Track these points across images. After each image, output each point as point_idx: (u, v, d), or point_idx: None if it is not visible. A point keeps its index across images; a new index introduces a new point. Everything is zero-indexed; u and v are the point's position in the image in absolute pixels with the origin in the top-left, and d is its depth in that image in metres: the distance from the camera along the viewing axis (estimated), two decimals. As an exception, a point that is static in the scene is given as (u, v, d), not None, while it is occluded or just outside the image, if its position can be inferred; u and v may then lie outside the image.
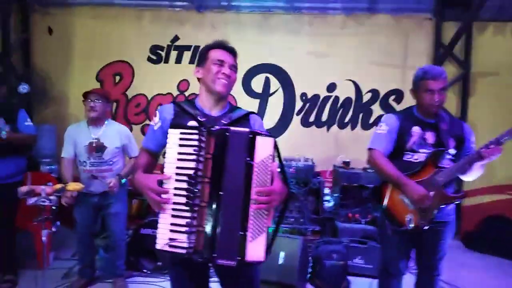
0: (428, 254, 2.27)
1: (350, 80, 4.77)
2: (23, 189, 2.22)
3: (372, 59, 4.73)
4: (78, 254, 3.17)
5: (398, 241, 2.26)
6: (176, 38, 4.77)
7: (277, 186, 1.43)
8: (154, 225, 3.35)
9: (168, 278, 3.31)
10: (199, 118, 1.55)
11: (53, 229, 2.24)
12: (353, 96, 4.79)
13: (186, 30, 4.77)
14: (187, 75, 4.79)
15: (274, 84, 4.81)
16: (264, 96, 4.81)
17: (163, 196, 1.41)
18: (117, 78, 4.80)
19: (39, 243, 2.56)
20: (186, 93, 4.82)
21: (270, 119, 4.80)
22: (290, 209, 3.90)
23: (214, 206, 1.39)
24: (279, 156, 1.50)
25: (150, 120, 4.72)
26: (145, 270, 3.34)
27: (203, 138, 1.41)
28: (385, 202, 2.21)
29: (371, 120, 4.79)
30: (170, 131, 1.46)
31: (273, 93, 4.81)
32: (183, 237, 1.37)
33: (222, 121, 1.57)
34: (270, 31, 4.75)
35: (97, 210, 3.03)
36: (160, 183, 1.42)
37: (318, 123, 4.82)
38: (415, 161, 2.17)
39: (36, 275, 3.04)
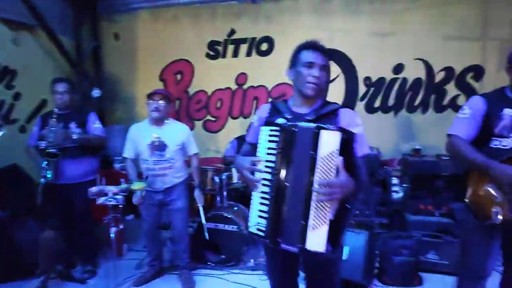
0: None
1: (419, 59, 4.35)
2: (93, 189, 2.38)
3: (446, 33, 4.25)
4: (146, 247, 3.35)
5: (483, 238, 2.00)
6: (232, 31, 4.77)
7: (339, 180, 1.44)
8: (216, 219, 3.45)
9: (231, 271, 3.39)
10: (286, 116, 1.66)
11: (121, 226, 2.38)
12: (423, 77, 4.37)
13: (242, 23, 4.74)
14: (244, 68, 4.78)
15: (334, 69, 4.58)
16: (323, 84, 4.60)
17: (256, 175, 1.58)
18: (178, 76, 4.96)
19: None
20: (245, 86, 4.81)
21: (331, 107, 4.58)
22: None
23: (280, 195, 1.52)
24: (349, 150, 1.50)
25: (211, 116, 4.91)
26: (209, 263, 3.43)
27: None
28: (468, 193, 1.96)
29: (445, 101, 4.33)
30: (262, 128, 1.63)
31: (334, 79, 4.58)
32: (265, 222, 1.55)
33: (307, 118, 1.63)
34: (328, 14, 4.51)
35: (161, 206, 3.16)
36: (253, 164, 1.59)
37: (384, 108, 4.49)
38: (504, 147, 1.89)
39: (112, 265, 3.32)
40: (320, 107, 1.70)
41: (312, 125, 1.50)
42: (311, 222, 1.43)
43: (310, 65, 1.63)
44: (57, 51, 4.18)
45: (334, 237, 1.44)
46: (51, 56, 4.25)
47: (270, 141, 1.57)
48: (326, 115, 1.65)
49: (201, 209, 3.21)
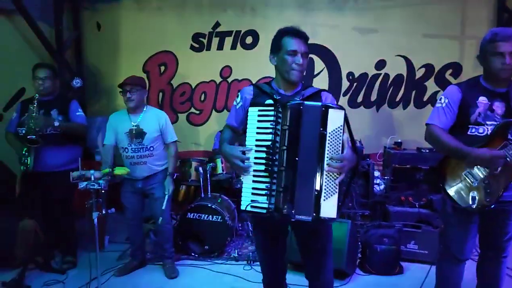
0: (494, 235, 2.09)
1: (401, 55, 4.46)
2: (75, 174, 2.34)
3: (426, 31, 4.37)
4: (129, 237, 3.30)
5: (461, 221, 2.07)
6: (217, 24, 4.75)
7: (347, 154, 1.56)
8: (199, 209, 3.43)
9: (215, 261, 3.37)
10: (275, 97, 1.69)
11: (103, 212, 2.33)
12: (404, 73, 4.48)
13: (227, 15, 4.72)
14: (229, 61, 4.77)
15: (319, 64, 4.63)
16: (308, 78, 4.65)
17: (246, 163, 1.61)
18: (162, 68, 4.90)
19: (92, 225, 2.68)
20: (229, 80, 4.79)
21: (315, 101, 4.63)
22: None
23: (291, 170, 1.56)
24: (349, 127, 1.62)
25: (195, 109, 4.88)
26: (193, 254, 3.41)
27: (279, 114, 1.58)
28: (447, 180, 2.03)
29: (425, 97, 4.46)
30: (250, 109, 1.65)
31: (318, 74, 4.64)
32: (263, 199, 1.58)
33: (296, 99, 1.68)
34: (313, 9, 4.56)
35: (143, 195, 3.12)
36: (243, 153, 1.62)
37: (367, 104, 4.58)
38: (481, 134, 1.96)
39: (94, 254, 3.22)
40: (302, 89, 1.80)
41: (318, 104, 1.60)
42: (323, 192, 1.54)
43: (294, 53, 1.70)
44: (36, 38, 4.06)
45: (340, 206, 1.59)
46: (29, 43, 4.12)
47: (260, 120, 1.62)
48: (312, 96, 1.75)
49: (166, 197, 3.01)
